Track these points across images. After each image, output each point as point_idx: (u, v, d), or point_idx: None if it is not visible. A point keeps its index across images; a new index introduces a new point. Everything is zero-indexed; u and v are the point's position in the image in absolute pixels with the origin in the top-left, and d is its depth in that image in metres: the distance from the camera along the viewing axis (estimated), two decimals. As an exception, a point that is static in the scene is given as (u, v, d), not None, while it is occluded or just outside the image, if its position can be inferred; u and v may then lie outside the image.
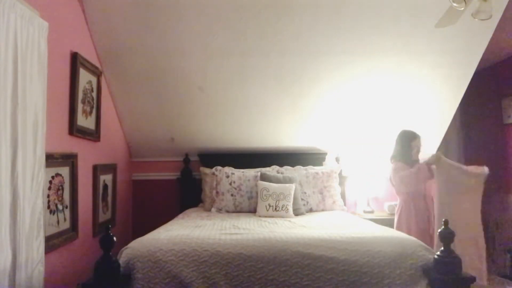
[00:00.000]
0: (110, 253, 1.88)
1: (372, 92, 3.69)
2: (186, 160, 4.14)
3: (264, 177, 3.51)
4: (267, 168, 3.79)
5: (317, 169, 3.86)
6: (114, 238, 1.89)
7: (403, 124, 3.89)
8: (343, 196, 3.96)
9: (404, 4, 2.95)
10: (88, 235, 2.98)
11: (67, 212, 2.62)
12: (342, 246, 2.08)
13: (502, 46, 3.92)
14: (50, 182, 2.40)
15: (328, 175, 3.78)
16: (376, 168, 4.13)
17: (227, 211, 3.46)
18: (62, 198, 2.56)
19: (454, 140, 4.69)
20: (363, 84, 3.61)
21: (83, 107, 2.87)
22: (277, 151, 4.15)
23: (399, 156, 3.20)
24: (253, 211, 3.40)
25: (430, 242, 2.78)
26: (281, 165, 3.85)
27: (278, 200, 3.25)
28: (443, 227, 1.97)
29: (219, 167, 3.71)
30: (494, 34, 3.20)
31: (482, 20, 2.20)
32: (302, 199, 3.53)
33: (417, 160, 3.20)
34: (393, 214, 3.85)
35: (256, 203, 3.37)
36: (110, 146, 3.58)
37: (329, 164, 4.17)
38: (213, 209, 3.49)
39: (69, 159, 2.67)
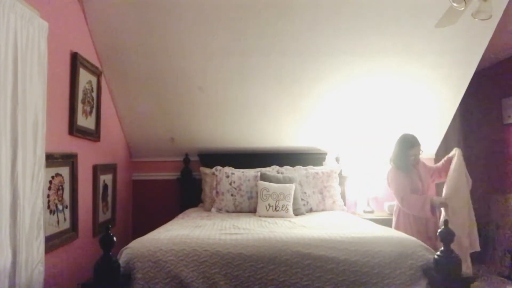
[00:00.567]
0: (110, 253, 1.88)
1: (372, 92, 3.69)
2: (186, 160, 4.14)
3: (264, 177, 3.52)
4: (267, 168, 3.79)
5: (317, 169, 3.86)
6: (114, 238, 1.89)
7: (403, 124, 3.90)
8: (343, 196, 3.97)
9: (404, 4, 2.95)
10: (88, 235, 2.98)
11: (67, 212, 2.63)
12: (342, 246, 2.08)
13: (502, 46, 3.92)
14: (50, 182, 2.40)
15: (328, 175, 3.78)
16: (376, 168, 4.13)
17: (227, 211, 3.46)
18: (62, 198, 2.56)
19: (454, 140, 4.68)
20: (363, 84, 3.61)
21: (83, 107, 2.87)
22: (277, 151, 4.15)
23: (396, 161, 3.16)
24: (253, 211, 3.40)
25: (429, 245, 2.76)
26: (281, 165, 3.85)
27: (278, 200, 3.25)
28: (443, 227, 1.97)
29: (219, 167, 3.71)
30: (494, 34, 3.20)
31: (482, 20, 2.20)
32: (302, 199, 3.53)
33: (413, 168, 3.13)
34: (393, 214, 3.86)
35: (256, 203, 3.37)
36: (110, 146, 3.58)
37: (329, 164, 4.17)
38: (213, 209, 3.49)
39: (69, 159, 2.68)
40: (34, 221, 2.00)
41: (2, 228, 1.75)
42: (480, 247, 2.77)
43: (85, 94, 2.90)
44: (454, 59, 3.42)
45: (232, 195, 3.53)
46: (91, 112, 3.03)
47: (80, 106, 2.80)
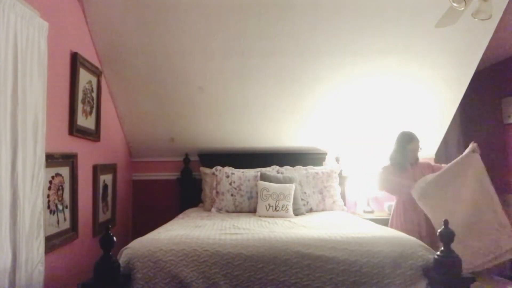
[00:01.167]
0: (110, 253, 1.88)
1: (372, 92, 3.69)
2: (186, 160, 4.14)
3: (264, 177, 3.52)
4: (267, 168, 3.79)
5: (317, 169, 3.86)
6: (114, 238, 1.89)
7: (403, 124, 3.90)
8: (343, 196, 3.97)
9: (404, 4, 2.96)
10: (88, 235, 2.98)
11: (67, 212, 2.63)
12: (342, 246, 2.08)
13: (502, 46, 3.92)
14: (50, 182, 2.40)
15: (328, 175, 3.78)
16: (376, 168, 4.13)
17: (227, 211, 3.46)
18: (62, 198, 2.56)
19: (454, 140, 4.68)
20: (363, 84, 3.61)
21: (83, 107, 2.87)
22: (277, 151, 4.15)
23: (394, 156, 3.15)
24: (253, 211, 3.40)
25: None
26: (281, 165, 3.85)
27: (278, 200, 3.25)
28: (443, 227, 1.97)
29: (219, 167, 3.71)
30: (494, 34, 3.20)
31: (482, 20, 2.20)
32: (302, 199, 3.53)
33: (413, 163, 3.12)
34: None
35: (256, 203, 3.37)
36: (110, 146, 3.58)
37: (329, 164, 4.17)
38: (213, 209, 3.49)
39: (69, 159, 2.68)
40: (34, 221, 2.00)
41: (2, 228, 1.75)
42: None
43: (85, 94, 2.90)
44: (454, 59, 3.42)
45: (232, 195, 3.53)
46: (91, 112, 3.03)
47: (80, 106, 2.80)
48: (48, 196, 2.36)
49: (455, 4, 2.10)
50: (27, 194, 1.96)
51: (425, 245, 2.15)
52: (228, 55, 3.32)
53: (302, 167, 3.87)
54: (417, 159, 3.15)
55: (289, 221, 2.94)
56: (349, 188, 4.18)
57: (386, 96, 3.73)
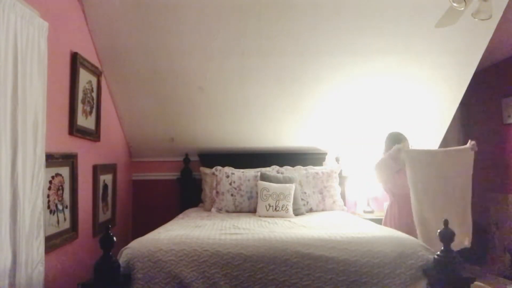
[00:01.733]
0: (110, 253, 1.88)
1: (372, 92, 3.69)
2: (186, 160, 4.14)
3: (264, 177, 3.52)
4: (267, 168, 3.79)
5: (317, 169, 3.86)
6: (114, 238, 1.89)
7: (403, 124, 3.91)
8: (343, 196, 3.97)
9: (404, 4, 2.95)
10: (88, 235, 2.98)
11: (67, 212, 2.63)
12: (342, 246, 2.08)
13: (502, 46, 3.92)
14: (50, 182, 2.40)
15: (328, 175, 3.78)
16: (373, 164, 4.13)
17: (227, 211, 3.46)
18: (62, 198, 2.56)
19: (454, 140, 4.68)
20: (363, 84, 3.61)
21: (83, 107, 2.87)
22: (277, 151, 4.15)
23: (386, 160, 3.12)
24: (253, 211, 3.40)
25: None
26: (281, 165, 3.85)
27: (278, 200, 3.25)
28: (443, 227, 1.97)
29: (219, 167, 3.71)
30: (494, 34, 3.20)
31: (482, 20, 2.20)
32: (302, 199, 3.53)
33: (403, 166, 3.00)
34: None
35: (256, 203, 3.37)
36: (110, 146, 3.58)
37: (329, 164, 4.17)
38: (213, 209, 3.49)
39: (69, 159, 2.68)
40: (34, 221, 2.00)
41: (2, 228, 1.75)
42: (479, 247, 2.72)
43: (85, 94, 2.90)
44: (454, 59, 3.42)
45: (232, 195, 3.53)
46: (91, 112, 3.03)
47: (80, 106, 2.80)
48: (48, 196, 2.36)
49: (455, 4, 2.10)
50: (27, 194, 1.96)
51: (425, 245, 2.15)
52: (228, 55, 3.32)
53: (302, 167, 3.87)
54: None
55: (289, 221, 2.94)
56: (349, 188, 4.18)
57: (386, 96, 3.73)
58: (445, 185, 2.76)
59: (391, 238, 2.21)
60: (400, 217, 2.99)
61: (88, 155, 3.01)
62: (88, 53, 3.00)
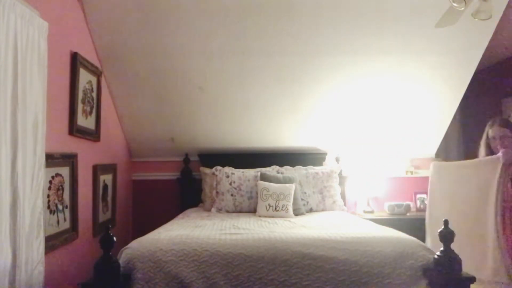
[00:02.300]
0: (110, 253, 1.88)
1: (372, 92, 3.69)
2: (186, 160, 4.14)
3: (264, 177, 3.51)
4: (267, 168, 3.79)
5: (317, 169, 3.86)
6: (114, 238, 1.89)
7: (403, 124, 3.91)
8: (343, 196, 3.96)
9: (404, 4, 2.95)
10: (88, 235, 2.98)
11: (67, 212, 2.62)
12: (342, 246, 2.08)
13: (502, 46, 3.92)
14: (50, 182, 2.40)
15: (328, 175, 3.78)
16: (376, 168, 4.13)
17: (227, 211, 3.46)
18: (62, 198, 2.56)
19: (454, 140, 4.68)
20: (363, 84, 3.61)
21: (83, 107, 2.87)
22: (277, 151, 4.15)
23: None
24: (253, 211, 3.40)
25: None
26: (281, 165, 3.85)
27: (278, 200, 3.25)
28: (443, 227, 1.97)
29: (219, 167, 3.71)
30: (494, 34, 3.20)
31: (482, 20, 2.20)
32: (302, 199, 3.53)
33: None
34: (393, 214, 3.87)
35: (256, 203, 3.37)
36: (110, 146, 3.58)
37: (329, 164, 4.17)
38: (213, 209, 3.49)
39: (69, 159, 2.67)
40: (34, 221, 2.00)
41: (2, 228, 1.75)
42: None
43: (85, 94, 2.90)
44: (454, 59, 3.42)
45: (232, 195, 3.53)
46: (91, 112, 3.03)
47: (80, 106, 2.80)
48: (48, 196, 2.36)
49: (455, 4, 2.10)
50: (27, 194, 1.95)
51: (425, 245, 2.15)
52: (228, 55, 3.32)
53: (302, 167, 3.86)
54: None
55: (289, 221, 2.94)
56: (349, 188, 4.17)
57: (386, 96, 3.73)
58: (467, 205, 2.50)
59: (391, 238, 2.21)
60: None
61: (88, 155, 3.01)
62: (88, 53, 3.00)
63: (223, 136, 4.04)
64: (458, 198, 2.64)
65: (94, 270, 1.85)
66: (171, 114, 3.82)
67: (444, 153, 4.49)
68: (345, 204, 3.84)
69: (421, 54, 3.35)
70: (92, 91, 3.05)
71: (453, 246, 1.93)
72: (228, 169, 3.69)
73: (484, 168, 2.55)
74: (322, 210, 3.60)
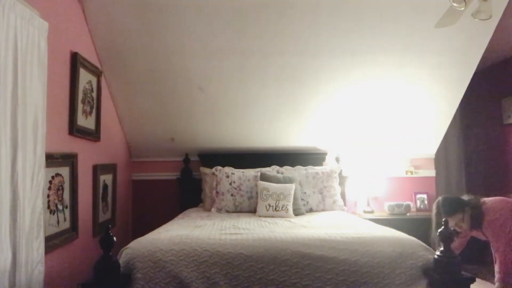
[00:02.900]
0: (110, 253, 1.88)
1: (372, 92, 3.69)
2: (186, 160, 4.14)
3: (264, 177, 3.51)
4: (267, 168, 3.79)
5: (317, 169, 3.86)
6: (114, 238, 1.90)
7: (403, 124, 3.91)
8: (343, 196, 3.97)
9: (404, 4, 2.95)
10: (88, 235, 2.98)
11: (67, 212, 2.62)
12: (342, 246, 2.08)
13: (502, 46, 3.92)
14: (50, 182, 2.40)
15: (328, 175, 3.78)
16: (376, 168, 4.14)
17: (227, 211, 3.46)
18: (62, 198, 2.56)
19: (454, 140, 4.68)
20: (363, 84, 3.60)
21: (83, 107, 2.87)
22: (277, 151, 4.15)
23: None
24: (253, 211, 3.40)
25: None
26: (281, 165, 3.85)
27: (278, 200, 3.25)
28: (443, 227, 1.97)
29: (219, 167, 3.71)
30: (494, 34, 3.20)
31: (482, 20, 2.20)
32: (302, 199, 3.53)
33: None
34: (393, 214, 3.87)
35: (256, 203, 3.37)
36: (110, 146, 3.58)
37: (329, 164, 4.17)
38: (213, 209, 3.49)
39: (69, 159, 2.67)
40: (34, 221, 2.00)
41: (2, 228, 1.75)
42: (479, 247, 2.56)
43: (85, 94, 2.90)
44: (454, 59, 3.42)
45: (232, 195, 3.53)
46: (91, 112, 3.03)
47: (80, 106, 2.80)
48: (48, 196, 2.36)
49: (455, 4, 2.10)
50: (27, 194, 1.96)
51: (425, 245, 2.15)
52: (228, 55, 3.31)
53: (302, 167, 3.86)
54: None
55: (289, 221, 2.94)
56: (349, 188, 4.18)
57: (386, 96, 3.73)
58: None
59: (391, 238, 2.21)
60: None
61: (88, 155, 3.01)
62: (88, 53, 3.00)
63: (223, 136, 4.04)
64: None
65: (94, 270, 1.85)
66: (171, 114, 3.82)
67: (444, 153, 4.50)
68: (345, 204, 3.85)
69: (421, 54, 3.35)
70: (92, 91, 3.05)
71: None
72: (228, 169, 3.69)
73: None
74: (322, 210, 3.60)
